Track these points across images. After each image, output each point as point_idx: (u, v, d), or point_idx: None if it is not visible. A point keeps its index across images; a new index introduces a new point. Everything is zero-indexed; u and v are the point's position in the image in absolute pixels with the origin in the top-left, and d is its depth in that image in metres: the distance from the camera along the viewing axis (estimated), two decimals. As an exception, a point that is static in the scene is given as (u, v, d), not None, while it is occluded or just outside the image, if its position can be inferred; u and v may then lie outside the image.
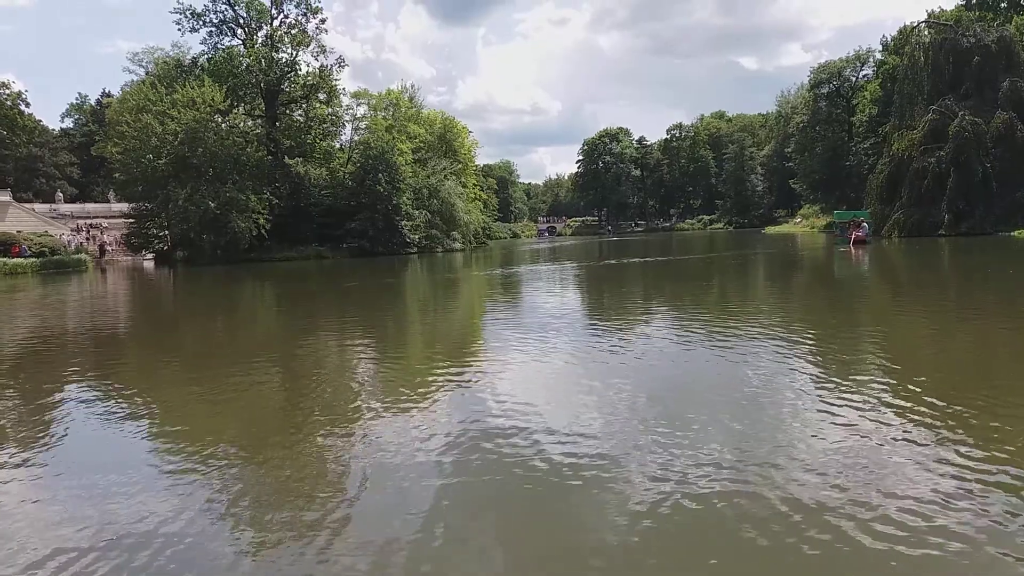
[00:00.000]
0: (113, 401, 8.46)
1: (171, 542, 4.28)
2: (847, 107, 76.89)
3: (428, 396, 7.83)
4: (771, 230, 79.64)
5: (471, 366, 9.70)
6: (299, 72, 56.40)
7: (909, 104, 49.42)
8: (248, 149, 50.00)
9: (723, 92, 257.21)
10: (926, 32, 52.48)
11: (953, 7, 58.15)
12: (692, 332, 11.78)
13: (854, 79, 77.97)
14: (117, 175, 52.26)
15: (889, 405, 6.62)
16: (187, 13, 53.50)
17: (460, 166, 69.73)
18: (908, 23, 62.01)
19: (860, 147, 69.25)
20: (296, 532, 4.41)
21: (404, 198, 55.04)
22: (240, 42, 55.81)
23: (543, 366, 9.43)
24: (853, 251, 34.96)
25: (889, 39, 68.44)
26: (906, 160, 46.35)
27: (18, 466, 5.94)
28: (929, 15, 56.79)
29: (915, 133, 46.48)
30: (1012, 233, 39.99)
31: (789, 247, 45.07)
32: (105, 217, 62.41)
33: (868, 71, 75.75)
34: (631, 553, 3.99)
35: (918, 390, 7.11)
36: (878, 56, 72.19)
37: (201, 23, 54.24)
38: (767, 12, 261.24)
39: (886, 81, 61.63)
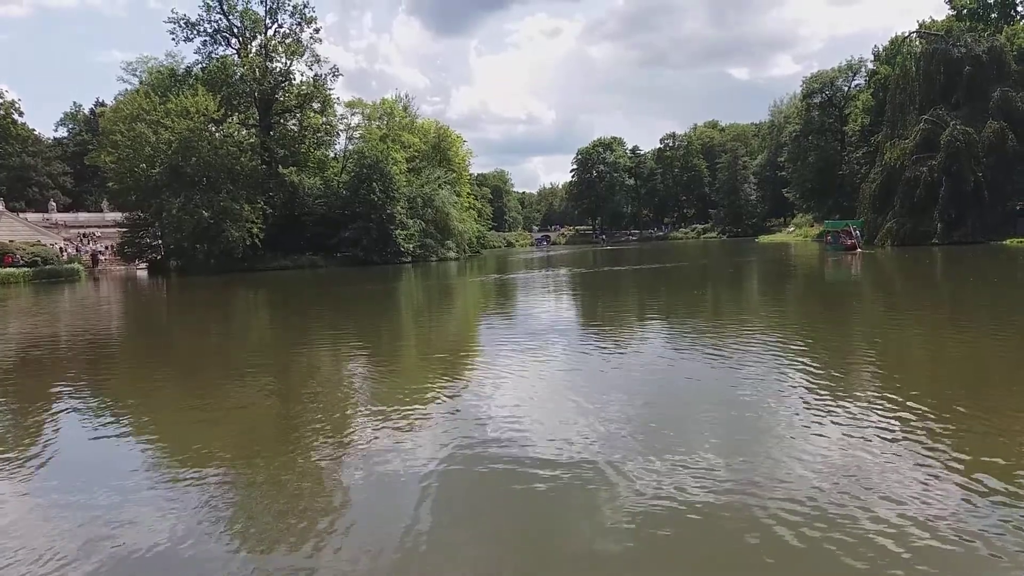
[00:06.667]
0: (106, 414, 8.38)
1: (164, 555, 4.23)
2: (839, 117, 77.22)
3: (422, 408, 7.78)
4: (764, 239, 79.85)
5: (466, 377, 9.66)
6: (293, 81, 56.41)
7: (901, 114, 49.80)
8: (242, 158, 49.98)
9: (715, 102, 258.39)
10: (917, 42, 52.95)
11: (944, 17, 58.65)
12: (686, 341, 11.77)
13: (846, 89, 78.36)
14: (110, 184, 52.23)
15: (883, 415, 6.60)
16: (181, 23, 53.49)
17: (454, 175, 69.80)
18: (899, 33, 62.61)
19: (852, 156, 69.54)
20: (288, 545, 4.35)
21: (398, 207, 54.99)
22: (234, 51, 55.77)
23: (538, 377, 9.38)
24: (848, 258, 35.18)
25: (880, 49, 68.92)
26: (898, 169, 46.67)
27: (11, 478, 5.87)
28: (920, 25, 57.33)
29: (907, 142, 46.84)
30: (1004, 242, 40.26)
31: (782, 256, 45.19)
32: (98, 226, 62.27)
33: (860, 81, 76.08)
34: (627, 560, 3.95)
35: (911, 397, 7.09)
36: (870, 66, 72.58)
37: (195, 33, 54.26)
38: (758, 23, 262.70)
39: (878, 91, 61.99)
